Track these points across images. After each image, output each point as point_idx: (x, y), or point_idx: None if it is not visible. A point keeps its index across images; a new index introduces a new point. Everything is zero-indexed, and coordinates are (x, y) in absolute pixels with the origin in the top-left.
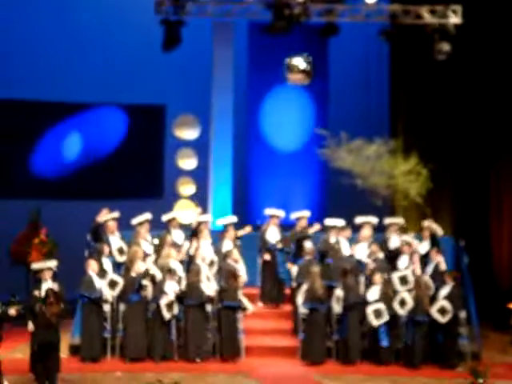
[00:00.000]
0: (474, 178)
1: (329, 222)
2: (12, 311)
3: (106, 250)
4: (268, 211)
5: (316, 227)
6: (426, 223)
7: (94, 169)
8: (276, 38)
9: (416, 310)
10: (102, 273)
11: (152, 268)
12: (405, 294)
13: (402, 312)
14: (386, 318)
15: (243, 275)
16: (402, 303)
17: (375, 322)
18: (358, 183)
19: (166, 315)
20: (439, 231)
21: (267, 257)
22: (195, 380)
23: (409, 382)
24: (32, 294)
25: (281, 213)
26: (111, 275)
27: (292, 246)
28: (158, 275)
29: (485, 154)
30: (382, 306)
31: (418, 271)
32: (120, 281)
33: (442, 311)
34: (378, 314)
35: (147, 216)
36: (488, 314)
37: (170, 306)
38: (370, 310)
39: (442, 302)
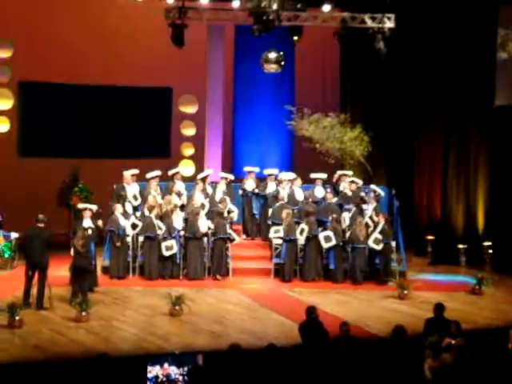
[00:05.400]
0: (402, 143)
1: (282, 175)
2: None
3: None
4: (246, 168)
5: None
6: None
7: (120, 135)
8: (256, 37)
9: (354, 241)
10: (125, 214)
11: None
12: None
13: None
14: (333, 242)
15: (235, 214)
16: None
17: (325, 245)
18: (316, 147)
19: (165, 253)
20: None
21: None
22: (195, 293)
23: (352, 294)
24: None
25: (256, 169)
26: (133, 219)
27: (267, 192)
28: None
29: (410, 125)
30: (330, 233)
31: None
32: (139, 223)
33: (377, 241)
34: (327, 239)
35: (157, 172)
36: (411, 243)
37: (169, 247)
38: (321, 236)
39: (375, 235)
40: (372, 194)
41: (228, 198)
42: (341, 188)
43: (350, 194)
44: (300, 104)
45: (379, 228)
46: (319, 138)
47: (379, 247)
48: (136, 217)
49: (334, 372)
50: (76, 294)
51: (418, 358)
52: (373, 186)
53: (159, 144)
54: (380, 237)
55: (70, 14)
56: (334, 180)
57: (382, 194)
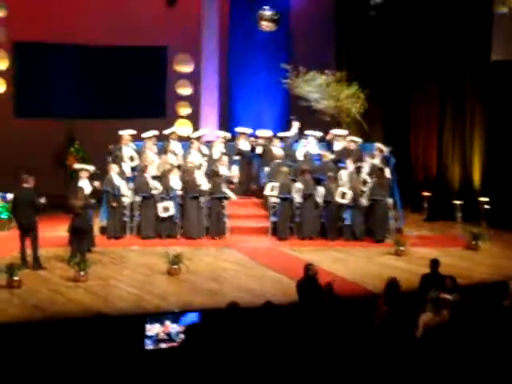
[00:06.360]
0: (399, 101)
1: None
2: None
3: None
4: (238, 129)
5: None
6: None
7: (115, 96)
8: None
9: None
10: (121, 174)
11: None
12: (344, 189)
13: (343, 201)
14: (320, 200)
15: (235, 174)
16: (343, 195)
17: (319, 200)
18: (312, 105)
19: (162, 214)
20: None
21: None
22: (193, 252)
23: (348, 251)
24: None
25: (248, 130)
26: (130, 186)
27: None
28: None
29: (406, 82)
30: (322, 190)
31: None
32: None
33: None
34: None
35: (154, 132)
36: (408, 200)
37: (166, 208)
38: (318, 192)
39: (366, 192)
40: (368, 153)
41: (227, 158)
42: (335, 147)
43: (353, 147)
44: (296, 62)
45: (368, 185)
46: (315, 96)
47: (365, 203)
48: (133, 180)
49: (333, 328)
50: (75, 254)
51: (413, 313)
52: (378, 145)
53: (155, 104)
54: (368, 192)
55: None
56: (328, 138)
57: (386, 150)
